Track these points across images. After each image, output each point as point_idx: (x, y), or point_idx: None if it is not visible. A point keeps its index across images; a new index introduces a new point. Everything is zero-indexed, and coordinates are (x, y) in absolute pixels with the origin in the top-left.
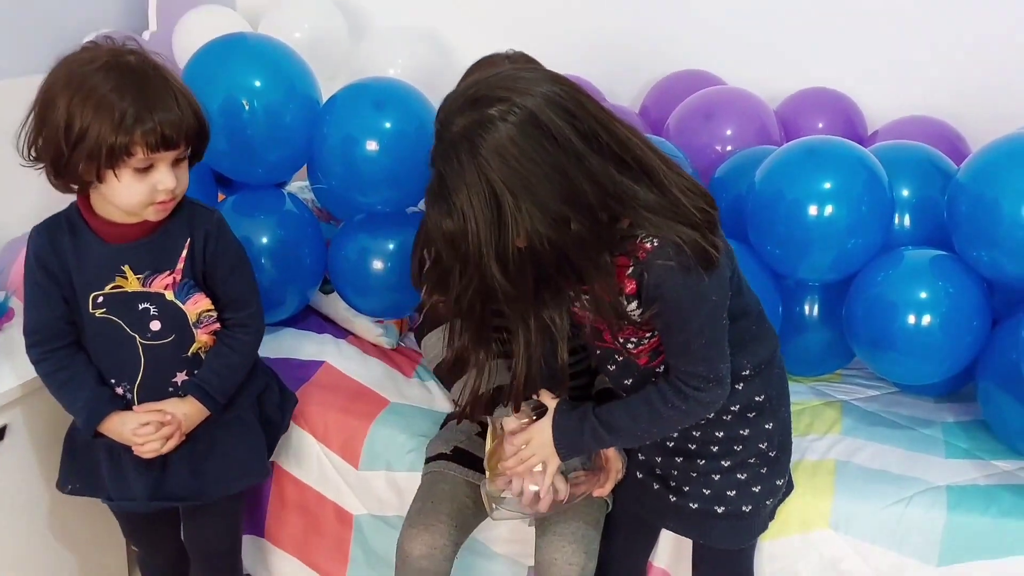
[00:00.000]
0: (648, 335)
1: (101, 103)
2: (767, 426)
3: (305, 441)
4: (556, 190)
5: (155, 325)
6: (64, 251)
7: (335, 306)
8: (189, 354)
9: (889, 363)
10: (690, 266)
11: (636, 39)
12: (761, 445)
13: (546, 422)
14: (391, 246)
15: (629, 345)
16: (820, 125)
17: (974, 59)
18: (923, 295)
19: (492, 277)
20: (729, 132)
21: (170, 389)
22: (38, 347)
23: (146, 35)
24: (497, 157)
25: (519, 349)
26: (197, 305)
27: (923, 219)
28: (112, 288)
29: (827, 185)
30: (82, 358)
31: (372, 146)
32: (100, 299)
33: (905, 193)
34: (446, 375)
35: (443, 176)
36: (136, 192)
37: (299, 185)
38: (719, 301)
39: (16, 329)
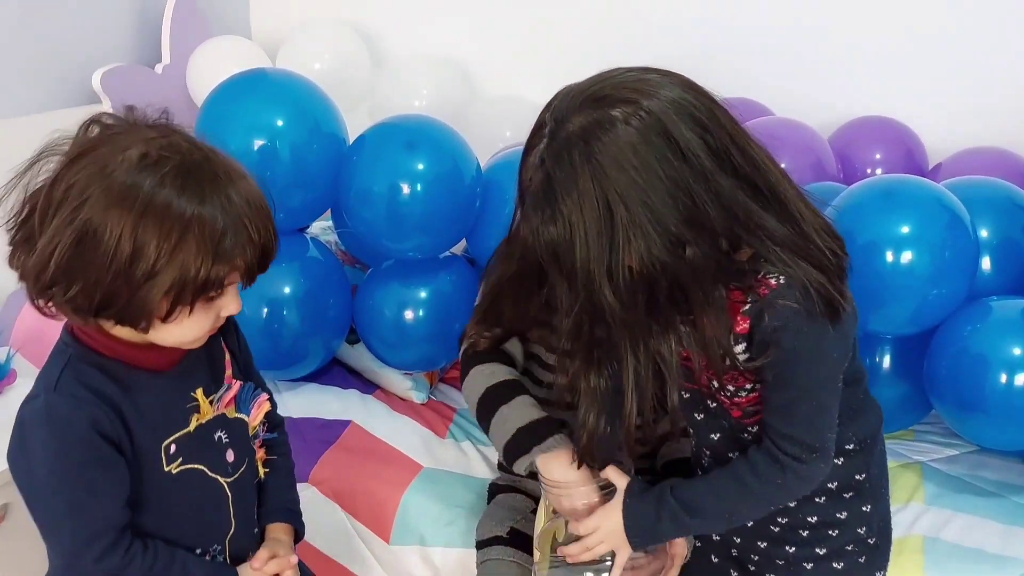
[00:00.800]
0: (748, 386)
1: (187, 226)
2: (866, 508)
3: (331, 511)
4: (677, 209)
5: (230, 456)
6: (118, 405)
7: (361, 357)
8: (259, 479)
9: (978, 426)
10: (815, 313)
11: (674, 65)
12: (860, 530)
13: (615, 506)
14: (423, 294)
15: (725, 393)
16: (877, 157)
17: None
18: (1016, 351)
19: (602, 296)
20: (783, 166)
21: (255, 531)
22: (113, 552)
23: (159, 68)
24: (615, 164)
25: (628, 383)
26: (260, 410)
27: (1006, 263)
28: (186, 428)
29: (905, 229)
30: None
31: (404, 189)
32: (173, 448)
33: (984, 234)
34: (485, 412)
35: (551, 178)
36: (203, 325)
37: (321, 226)
38: (838, 360)
39: (16, 393)
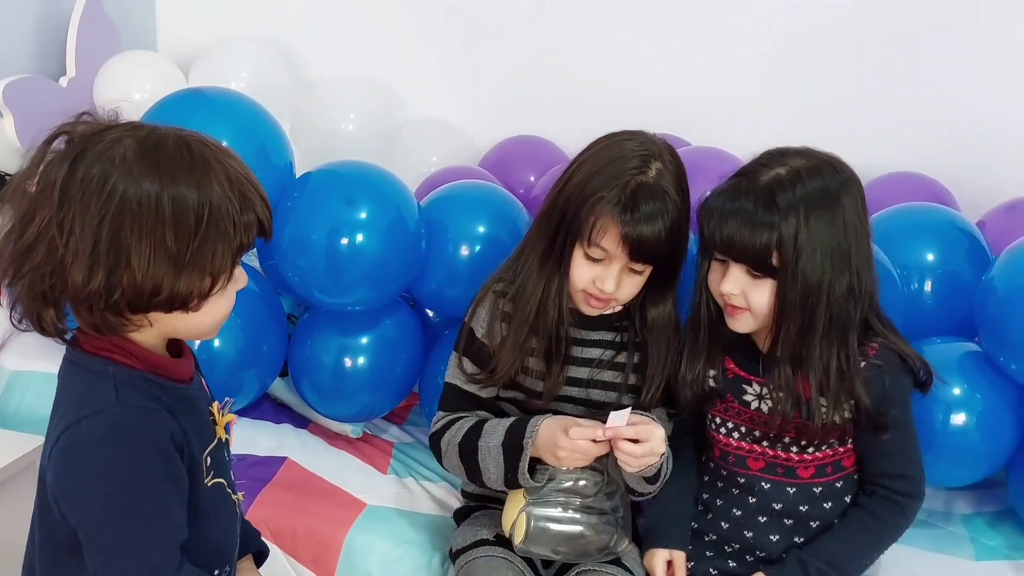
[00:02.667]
0: (828, 443)
1: (209, 174)
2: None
3: (270, 553)
4: (865, 251)
5: (233, 473)
6: (177, 415)
7: (293, 391)
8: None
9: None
10: (909, 370)
11: (596, 95)
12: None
13: None
14: (364, 341)
15: (808, 452)
16: None
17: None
18: (955, 391)
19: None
20: None
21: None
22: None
23: (63, 81)
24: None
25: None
26: (232, 431)
27: (946, 297)
28: (214, 440)
29: None
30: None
31: (346, 241)
32: (209, 460)
33: (930, 258)
34: (471, 466)
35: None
36: (231, 299)
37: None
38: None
39: None
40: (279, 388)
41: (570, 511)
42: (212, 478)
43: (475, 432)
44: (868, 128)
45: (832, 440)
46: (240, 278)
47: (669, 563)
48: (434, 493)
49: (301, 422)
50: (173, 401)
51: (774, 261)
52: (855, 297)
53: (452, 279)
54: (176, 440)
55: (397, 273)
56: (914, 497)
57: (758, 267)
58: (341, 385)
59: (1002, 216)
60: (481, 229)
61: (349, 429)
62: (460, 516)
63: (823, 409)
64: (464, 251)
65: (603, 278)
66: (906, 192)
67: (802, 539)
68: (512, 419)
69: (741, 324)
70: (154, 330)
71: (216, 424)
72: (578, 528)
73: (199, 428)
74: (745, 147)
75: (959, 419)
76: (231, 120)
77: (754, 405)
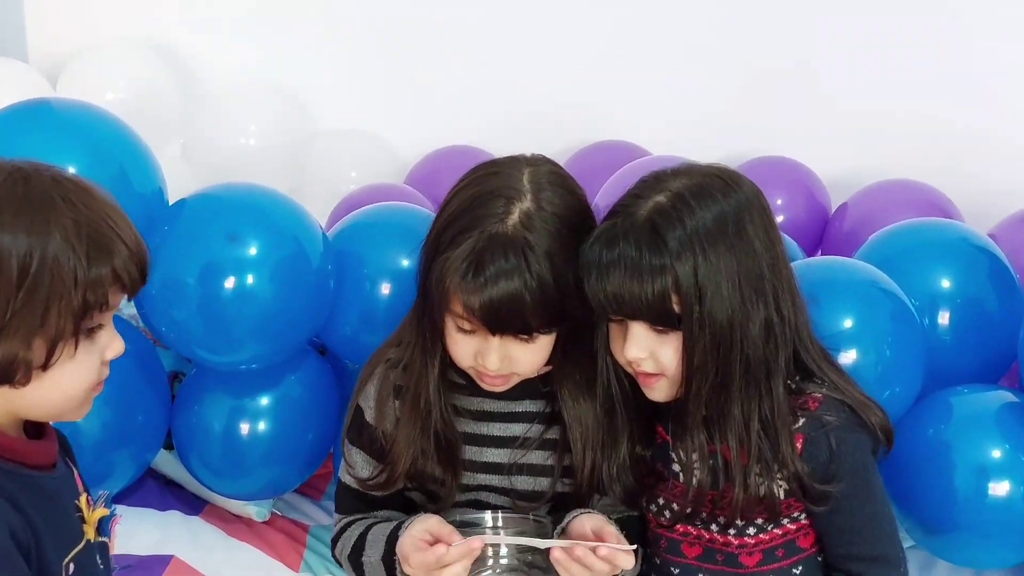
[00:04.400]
0: (776, 520)
1: (49, 219)
2: None
3: None
4: (783, 277)
5: None
6: (26, 510)
7: (181, 465)
8: None
9: (950, 545)
10: (864, 425)
11: (533, 99)
12: None
13: None
14: (265, 402)
15: (747, 534)
16: (779, 202)
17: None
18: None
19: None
20: None
21: None
22: None
23: None
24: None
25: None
26: (115, 535)
27: (968, 337)
28: (80, 543)
29: (847, 323)
30: None
31: (229, 284)
32: (72, 568)
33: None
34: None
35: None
36: (90, 370)
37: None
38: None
39: None
40: (166, 462)
41: None
42: None
43: (360, 544)
44: (853, 130)
45: (760, 518)
46: (108, 343)
47: None
48: None
49: (194, 505)
50: (21, 491)
51: (675, 307)
52: (774, 335)
53: (369, 322)
54: (19, 539)
55: (298, 321)
56: None
57: (659, 320)
58: (238, 458)
59: (1016, 229)
60: (404, 262)
61: (253, 511)
62: None
63: (754, 477)
64: (384, 289)
65: (484, 353)
66: (902, 203)
67: None
68: (395, 524)
69: (659, 392)
70: None
71: (85, 523)
72: None
73: (59, 526)
74: (715, 153)
75: (1001, 488)
76: (79, 138)
77: (684, 477)
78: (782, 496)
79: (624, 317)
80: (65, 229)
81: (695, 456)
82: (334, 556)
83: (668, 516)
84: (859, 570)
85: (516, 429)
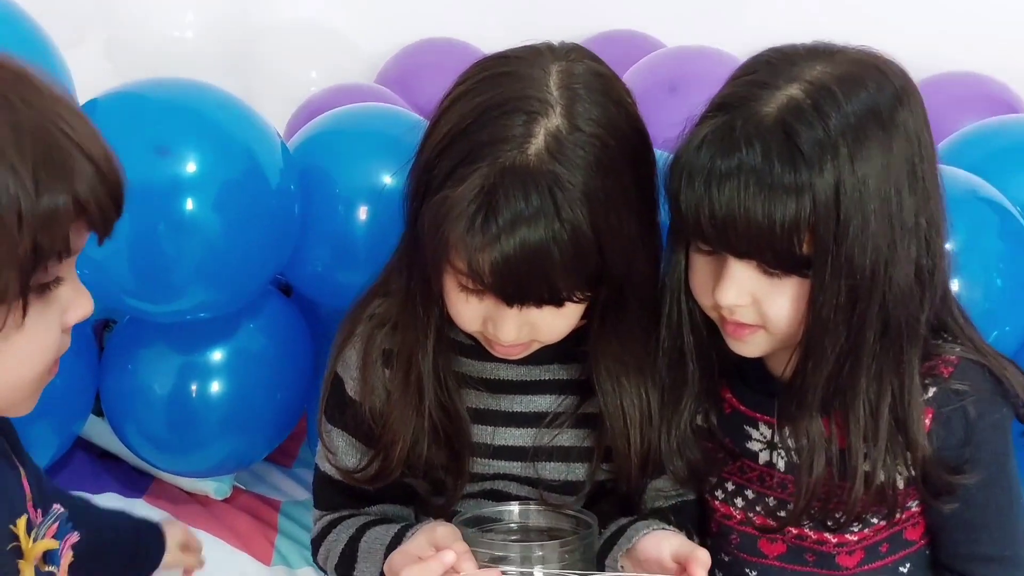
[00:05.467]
0: (892, 516)
1: None
2: None
3: None
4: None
5: None
6: None
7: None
8: None
9: None
10: (1006, 394)
11: None
12: None
13: None
14: (218, 356)
15: (850, 530)
16: None
17: None
18: None
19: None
20: None
21: None
22: None
23: None
24: None
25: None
26: (65, 563)
27: None
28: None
29: None
30: None
31: (162, 213)
32: None
33: None
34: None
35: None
36: (43, 341)
37: None
38: None
39: None
40: (99, 431)
41: None
42: None
43: (350, 553)
44: (906, 20)
45: (874, 515)
46: (71, 302)
47: None
48: None
49: (136, 484)
50: None
51: (804, 248)
52: (921, 285)
53: (344, 256)
54: None
55: (255, 257)
56: None
57: (778, 260)
58: (187, 428)
59: None
60: (386, 179)
61: (211, 488)
62: None
63: (870, 467)
64: (361, 214)
65: (496, 321)
66: (964, 100)
67: None
68: (395, 529)
69: (751, 346)
70: None
71: (20, 556)
72: None
73: None
74: (741, 46)
75: None
76: None
77: (763, 458)
78: (902, 486)
79: (726, 251)
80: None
81: (808, 436)
82: (316, 562)
83: (740, 504)
84: (981, 572)
85: (542, 403)
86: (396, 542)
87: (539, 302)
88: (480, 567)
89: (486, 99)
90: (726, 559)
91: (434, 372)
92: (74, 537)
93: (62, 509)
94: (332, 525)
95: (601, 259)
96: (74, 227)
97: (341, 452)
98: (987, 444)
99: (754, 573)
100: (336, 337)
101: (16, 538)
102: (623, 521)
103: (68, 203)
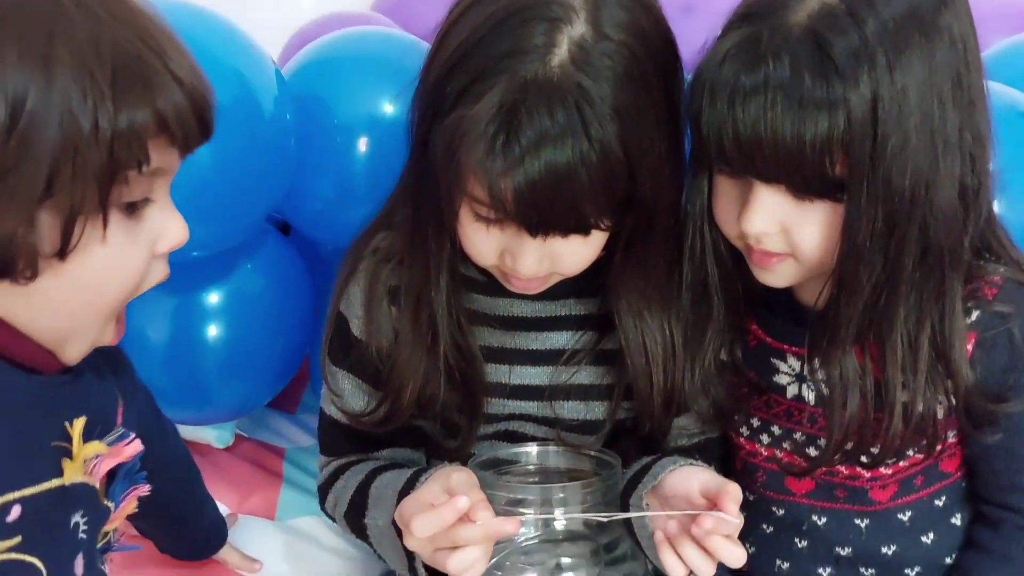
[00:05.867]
0: (932, 449)
1: (51, 43)
2: None
3: None
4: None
5: (79, 566)
6: None
7: None
8: None
9: None
10: None
11: None
12: None
13: None
14: (214, 299)
15: (882, 467)
16: None
17: None
18: None
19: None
20: None
21: None
22: None
23: None
24: None
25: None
26: (128, 505)
27: None
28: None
29: None
30: None
31: None
32: (16, 511)
33: None
34: (362, 537)
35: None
36: (130, 262)
37: None
38: None
39: None
40: None
41: None
42: (8, 547)
43: (360, 500)
44: None
45: (911, 448)
46: (163, 227)
47: None
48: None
49: None
50: None
51: (837, 169)
52: (965, 206)
53: (345, 191)
54: None
55: (250, 193)
56: None
57: (808, 183)
58: (182, 375)
59: None
60: (388, 108)
61: (212, 436)
62: None
63: (908, 398)
64: (362, 145)
65: (515, 252)
66: (1002, 10)
67: None
68: (408, 474)
69: (779, 275)
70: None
71: (71, 456)
72: None
73: (12, 450)
74: None
75: None
76: None
77: (791, 391)
78: (942, 416)
79: (752, 175)
80: (78, 50)
81: (844, 378)
82: (324, 510)
83: (766, 441)
84: (1018, 512)
85: (559, 339)
86: (409, 488)
87: (565, 230)
88: (497, 511)
89: (501, 7)
90: (751, 498)
91: (445, 309)
92: (143, 489)
93: (140, 449)
94: (340, 471)
95: (631, 182)
96: (157, 144)
97: (347, 395)
98: None
99: (781, 511)
100: (338, 274)
101: (69, 438)
102: (647, 459)
103: (148, 118)
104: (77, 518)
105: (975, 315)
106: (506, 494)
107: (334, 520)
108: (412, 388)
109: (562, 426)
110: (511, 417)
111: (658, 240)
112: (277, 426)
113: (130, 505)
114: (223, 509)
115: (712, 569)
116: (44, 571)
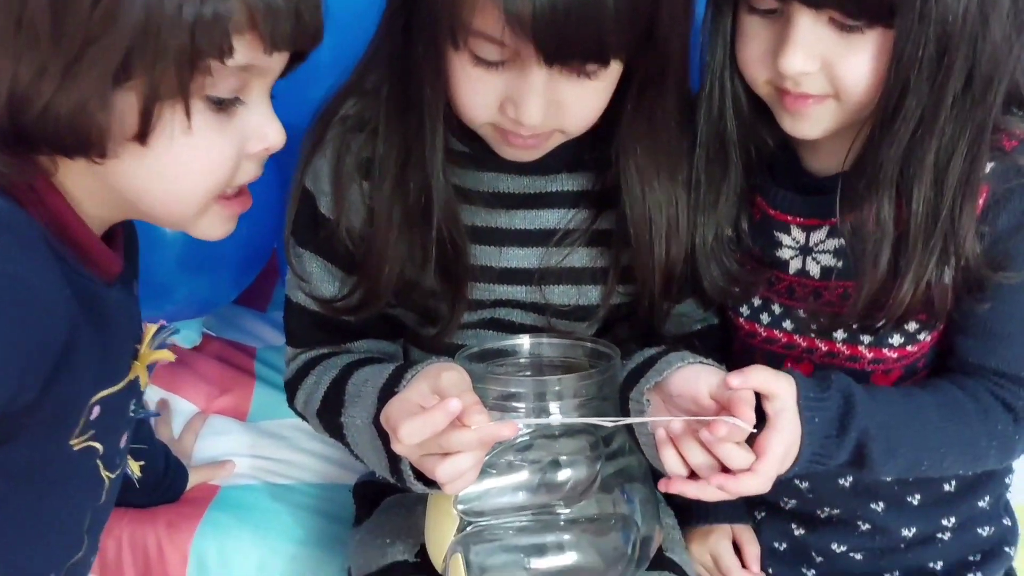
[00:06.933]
0: (936, 323)
1: None
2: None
3: None
4: None
5: (123, 441)
6: (71, 309)
7: None
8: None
9: None
10: None
11: None
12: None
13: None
14: None
15: (888, 343)
16: None
17: None
18: None
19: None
20: None
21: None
22: None
23: None
24: None
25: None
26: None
27: None
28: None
29: None
30: None
31: None
32: (97, 411)
33: None
34: (334, 431)
35: None
36: (215, 156)
37: None
38: None
39: None
40: None
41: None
42: (85, 439)
43: (335, 397)
44: None
45: (916, 320)
46: (256, 130)
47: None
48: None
49: None
50: (79, 296)
51: None
52: (1014, 34)
53: (306, 65)
54: (65, 339)
55: None
56: None
57: (861, 8)
58: (139, 270)
59: None
60: None
61: (178, 336)
62: (363, 499)
63: (935, 260)
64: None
65: (520, 98)
66: None
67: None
68: (390, 370)
69: (814, 123)
70: (80, 186)
71: (136, 359)
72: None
73: (106, 354)
74: None
75: None
76: None
77: (794, 266)
78: (948, 282)
79: (790, 2)
80: None
81: (880, 228)
82: (293, 408)
83: (766, 321)
84: (1001, 386)
85: (550, 218)
86: (392, 386)
87: (584, 57)
88: (488, 406)
89: None
90: None
91: (442, 181)
92: (167, 353)
93: (171, 327)
94: (310, 366)
95: (654, 11)
96: (245, 39)
97: (315, 279)
98: None
99: None
100: (302, 146)
101: (139, 342)
102: (651, 352)
103: (235, 10)
104: (133, 405)
105: (990, 166)
106: (498, 388)
107: (305, 419)
108: (390, 271)
109: (552, 312)
110: (497, 303)
111: (669, 92)
112: (247, 324)
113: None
114: (191, 408)
115: (715, 471)
116: (101, 450)
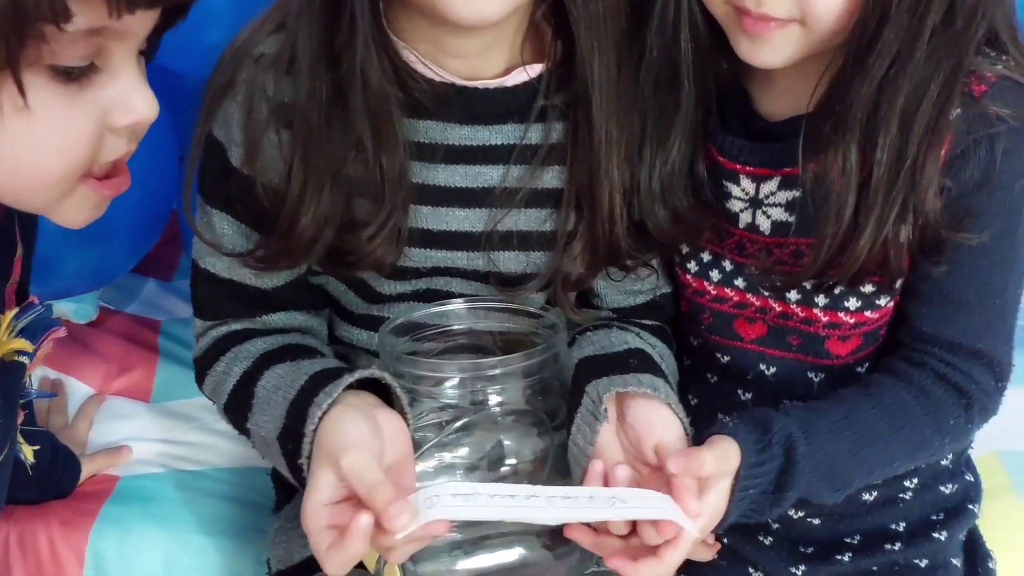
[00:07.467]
0: (891, 288)
1: None
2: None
3: None
4: None
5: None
6: None
7: None
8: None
9: None
10: None
11: None
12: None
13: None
14: None
15: (844, 307)
16: None
17: None
18: None
19: None
20: None
21: None
22: None
23: None
24: None
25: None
26: (46, 348)
27: None
28: None
29: None
30: None
31: None
32: None
33: None
34: (239, 421)
35: None
36: (64, 134)
37: None
38: None
39: None
40: None
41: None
42: None
43: (244, 398)
44: None
45: (871, 282)
46: (119, 99)
47: None
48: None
49: None
50: None
51: None
52: None
53: (205, 12)
54: None
55: None
56: (990, 393)
57: None
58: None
59: None
60: None
61: (71, 310)
62: (284, 483)
63: (895, 213)
64: None
65: None
66: None
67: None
68: (302, 381)
69: (776, 50)
70: None
71: None
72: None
73: None
74: None
75: None
76: None
77: (744, 220)
78: (904, 241)
79: None
80: None
81: (846, 176)
82: (202, 390)
83: (716, 278)
84: (958, 364)
85: (492, 175)
86: (304, 398)
87: None
88: (416, 398)
89: None
90: (695, 343)
91: (354, 128)
92: (60, 332)
93: (40, 307)
94: (221, 347)
95: None
96: (88, 1)
97: (228, 240)
98: (1004, 193)
99: (727, 359)
100: (207, 88)
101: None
102: (614, 342)
103: None
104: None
105: (956, 112)
106: (428, 373)
107: (213, 401)
108: (309, 232)
109: (498, 281)
110: (434, 272)
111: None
112: (150, 296)
113: (46, 349)
114: (86, 390)
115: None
116: None
